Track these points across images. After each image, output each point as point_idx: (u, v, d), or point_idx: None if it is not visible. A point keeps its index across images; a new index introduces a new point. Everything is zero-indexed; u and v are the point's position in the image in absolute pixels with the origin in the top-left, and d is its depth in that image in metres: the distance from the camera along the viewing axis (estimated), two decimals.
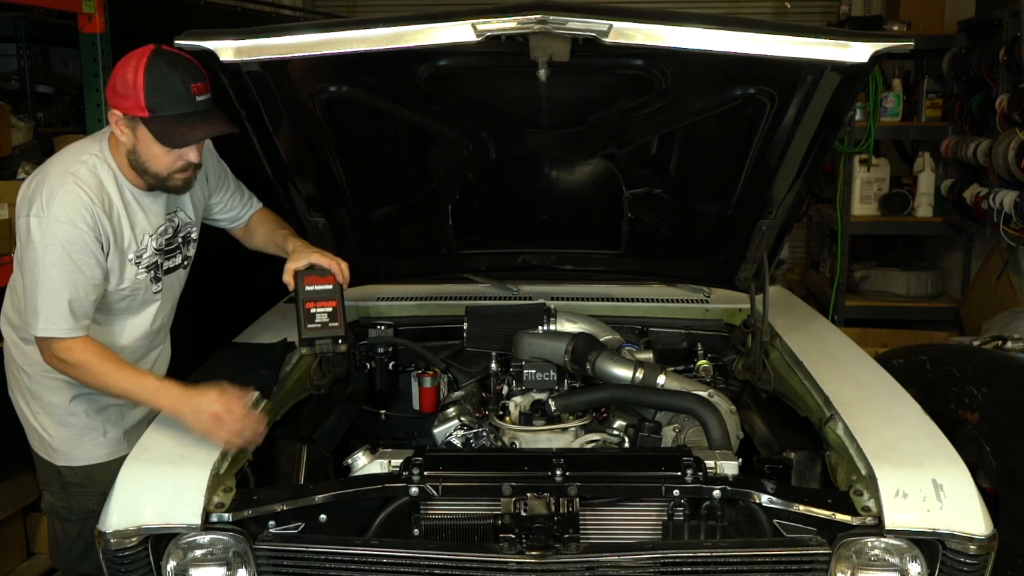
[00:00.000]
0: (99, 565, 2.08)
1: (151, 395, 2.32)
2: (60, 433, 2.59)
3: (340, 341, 2.41)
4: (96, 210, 2.34)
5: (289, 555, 2.03)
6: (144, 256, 2.49)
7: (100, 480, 2.55)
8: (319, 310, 2.39)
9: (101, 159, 2.42)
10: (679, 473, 2.12)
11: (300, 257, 2.47)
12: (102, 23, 3.52)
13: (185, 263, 2.69)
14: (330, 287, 2.41)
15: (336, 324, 2.39)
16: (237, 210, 2.80)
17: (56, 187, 2.33)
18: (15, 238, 2.50)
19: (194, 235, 2.69)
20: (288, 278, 2.44)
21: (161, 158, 2.36)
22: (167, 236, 2.58)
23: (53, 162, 2.44)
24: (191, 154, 2.37)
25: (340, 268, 2.45)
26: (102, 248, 2.37)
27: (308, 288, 2.41)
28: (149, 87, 2.27)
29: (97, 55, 3.51)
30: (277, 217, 2.84)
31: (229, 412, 2.19)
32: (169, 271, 2.62)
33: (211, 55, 2.11)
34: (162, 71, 2.27)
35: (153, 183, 2.44)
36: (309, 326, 2.38)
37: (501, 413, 2.73)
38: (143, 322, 2.59)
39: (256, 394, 2.36)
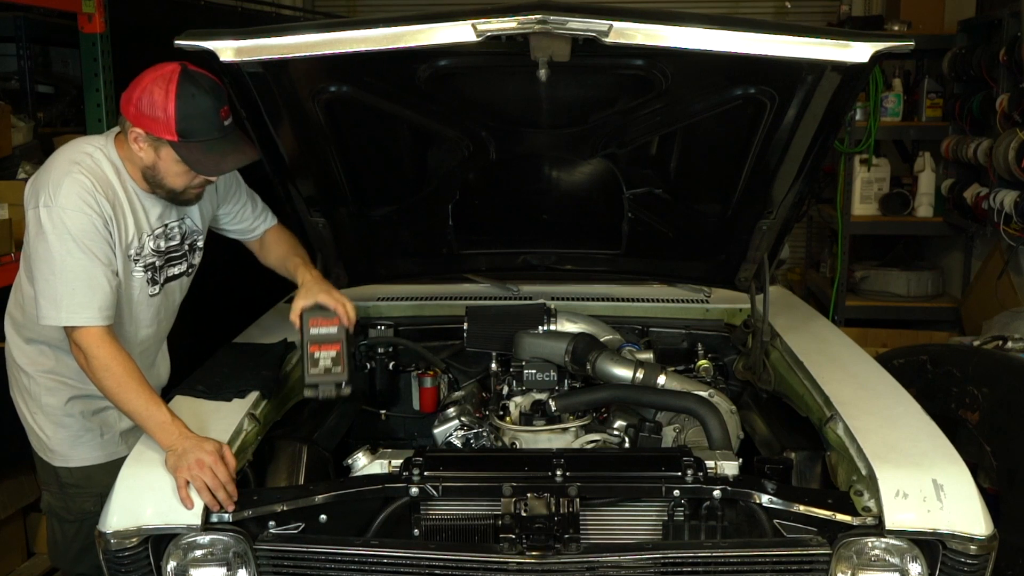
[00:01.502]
0: (97, 565, 2.08)
1: (155, 427, 2.21)
2: (57, 434, 2.59)
3: (343, 385, 2.40)
4: (100, 198, 2.34)
5: (289, 555, 2.03)
6: (142, 255, 2.49)
7: (97, 481, 2.55)
8: (323, 354, 2.39)
9: (105, 153, 2.42)
10: (679, 473, 2.12)
11: (308, 295, 2.47)
12: (102, 23, 3.52)
13: (189, 271, 2.69)
14: (334, 330, 2.40)
15: (339, 369, 2.38)
16: (248, 222, 2.79)
17: (62, 176, 2.33)
18: (15, 239, 2.50)
19: (200, 243, 2.69)
20: (294, 317, 2.44)
21: (181, 176, 2.39)
22: (174, 242, 2.58)
23: (57, 155, 2.44)
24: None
25: (346, 310, 2.44)
26: (111, 235, 2.38)
27: (313, 331, 2.40)
28: (181, 113, 2.27)
29: (97, 55, 3.51)
30: (292, 239, 2.83)
31: (215, 466, 2.07)
32: (172, 278, 2.61)
33: (211, 55, 2.11)
34: (194, 96, 2.28)
35: (165, 196, 2.46)
36: (312, 371, 2.38)
37: (501, 413, 2.73)
38: (144, 327, 2.58)
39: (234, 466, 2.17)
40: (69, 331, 2.33)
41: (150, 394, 2.28)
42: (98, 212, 2.33)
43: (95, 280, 2.31)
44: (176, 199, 2.47)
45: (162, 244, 2.54)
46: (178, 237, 2.59)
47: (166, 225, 2.55)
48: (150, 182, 2.43)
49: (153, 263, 2.53)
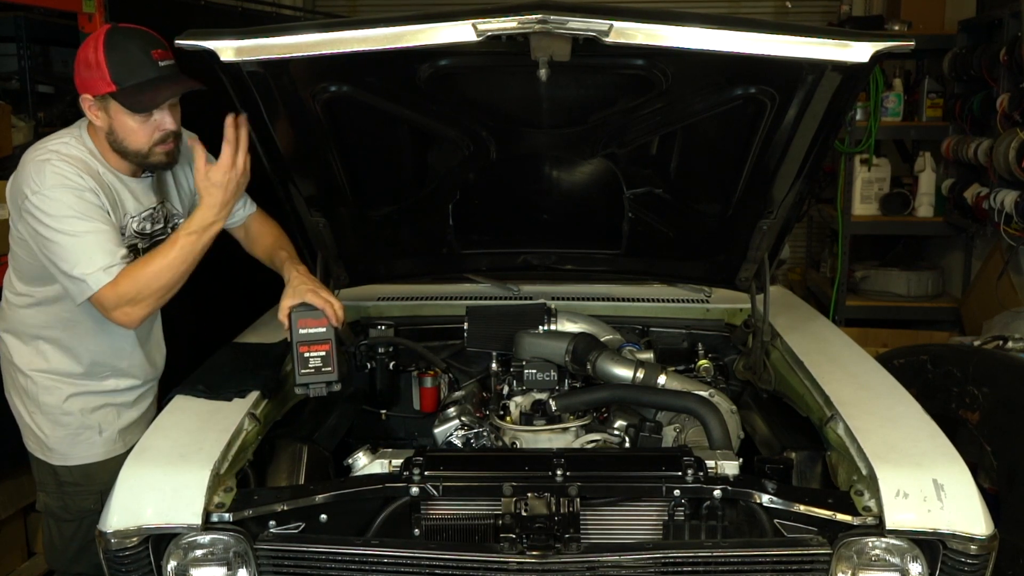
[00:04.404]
0: (96, 564, 2.08)
1: (196, 227, 2.37)
2: (56, 433, 2.59)
3: (334, 384, 2.43)
4: (84, 176, 2.37)
5: (290, 555, 2.03)
6: (125, 237, 2.50)
7: (96, 479, 2.56)
8: (312, 354, 2.41)
9: (80, 142, 2.45)
10: (680, 473, 2.12)
11: (295, 294, 2.47)
12: (102, 23, 3.52)
13: None
14: (323, 330, 2.42)
15: (329, 369, 2.41)
16: None
17: (42, 164, 2.36)
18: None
19: None
20: (283, 316, 2.45)
21: (138, 132, 2.39)
22: (157, 225, 2.59)
23: (29, 153, 2.45)
24: (167, 122, 2.40)
25: (334, 310, 2.44)
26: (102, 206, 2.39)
27: (302, 331, 2.42)
28: (111, 61, 2.32)
29: None
30: (277, 229, 2.84)
31: (235, 168, 2.37)
32: None
33: (211, 55, 2.11)
34: (120, 43, 2.33)
35: (137, 162, 2.46)
36: (302, 371, 2.41)
37: (502, 413, 2.73)
38: None
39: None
40: (101, 294, 2.32)
41: (165, 245, 2.39)
42: (87, 186, 2.36)
43: (105, 240, 2.33)
44: (147, 162, 2.46)
45: (147, 227, 2.56)
46: (161, 220, 2.60)
47: (152, 208, 2.56)
48: (118, 151, 2.44)
49: (135, 245, 2.53)
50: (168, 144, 2.45)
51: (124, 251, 2.37)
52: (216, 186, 2.36)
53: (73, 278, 2.32)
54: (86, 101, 2.39)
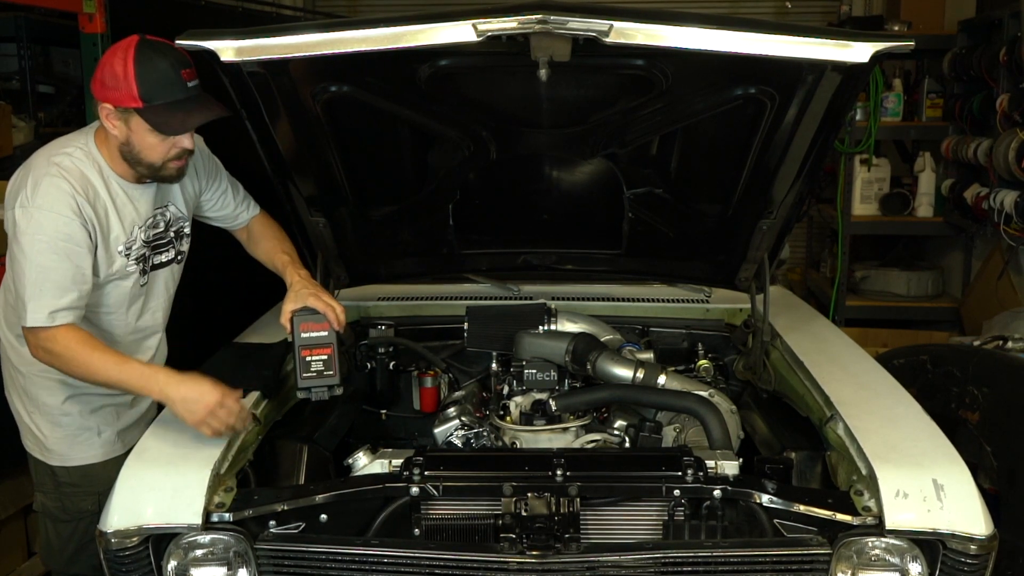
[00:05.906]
0: (93, 565, 2.09)
1: (137, 381, 2.30)
2: (54, 433, 2.59)
3: (335, 388, 2.44)
4: (80, 199, 2.35)
5: (290, 555, 2.03)
6: (133, 248, 2.50)
7: (95, 480, 2.55)
8: (315, 358, 2.41)
9: (86, 151, 2.43)
10: (680, 473, 2.12)
11: (296, 299, 2.47)
12: (103, 23, 3.52)
13: (179, 258, 2.70)
14: (325, 334, 2.42)
15: (331, 372, 2.41)
16: (230, 209, 2.80)
17: (40, 177, 2.34)
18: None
19: (186, 230, 2.70)
20: (285, 320, 2.45)
21: (156, 147, 2.38)
22: (158, 230, 2.58)
23: (37, 155, 2.44)
24: (185, 141, 2.40)
25: (336, 314, 2.44)
26: (90, 237, 2.38)
27: (304, 335, 2.42)
28: (141, 77, 2.28)
29: (98, 55, 3.50)
30: (279, 232, 2.83)
31: (222, 406, 2.20)
32: (159, 265, 2.62)
33: (212, 55, 2.11)
34: (151, 60, 2.29)
35: (146, 173, 2.45)
36: (304, 375, 2.41)
37: (502, 413, 2.74)
38: (132, 316, 2.59)
39: (241, 392, 2.35)
40: (30, 330, 2.33)
41: (116, 355, 2.33)
42: (76, 214, 2.34)
43: (64, 282, 2.32)
44: (157, 175, 2.46)
45: (150, 234, 2.55)
46: (162, 225, 2.60)
47: (154, 215, 2.56)
48: (129, 161, 2.42)
49: (143, 254, 2.53)
50: (182, 160, 2.45)
51: (76, 295, 2.33)
52: (204, 408, 2.21)
53: (23, 301, 2.32)
54: (105, 110, 2.36)
